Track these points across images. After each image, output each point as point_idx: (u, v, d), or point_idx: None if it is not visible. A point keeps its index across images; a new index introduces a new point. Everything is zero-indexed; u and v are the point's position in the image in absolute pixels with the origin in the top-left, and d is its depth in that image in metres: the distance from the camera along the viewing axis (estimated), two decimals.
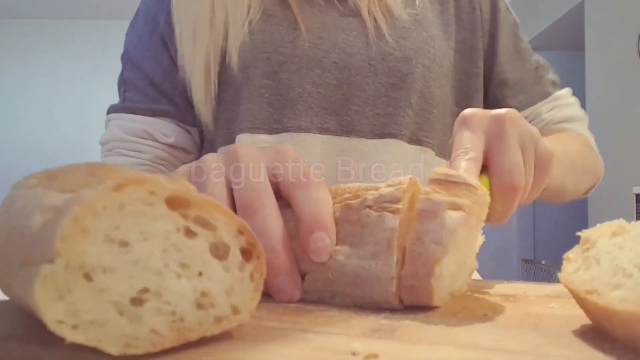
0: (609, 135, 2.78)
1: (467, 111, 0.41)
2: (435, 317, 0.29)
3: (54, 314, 0.19)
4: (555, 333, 0.25)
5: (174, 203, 0.23)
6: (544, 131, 0.67)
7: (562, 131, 0.68)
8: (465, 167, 0.38)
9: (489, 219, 0.40)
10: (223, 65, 0.61)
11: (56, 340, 0.24)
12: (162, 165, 0.66)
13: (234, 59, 0.59)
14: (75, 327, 0.20)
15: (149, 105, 0.64)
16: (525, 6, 3.69)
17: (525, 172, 0.39)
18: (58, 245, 0.19)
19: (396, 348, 0.22)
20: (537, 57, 0.71)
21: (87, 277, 0.21)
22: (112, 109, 0.67)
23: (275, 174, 0.36)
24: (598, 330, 0.25)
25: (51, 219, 0.22)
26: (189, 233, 0.24)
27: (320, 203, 0.33)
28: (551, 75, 0.71)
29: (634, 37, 2.60)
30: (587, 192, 0.70)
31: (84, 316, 0.20)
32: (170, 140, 0.64)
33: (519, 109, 0.67)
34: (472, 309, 0.31)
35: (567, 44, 3.80)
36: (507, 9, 0.70)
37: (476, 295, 0.35)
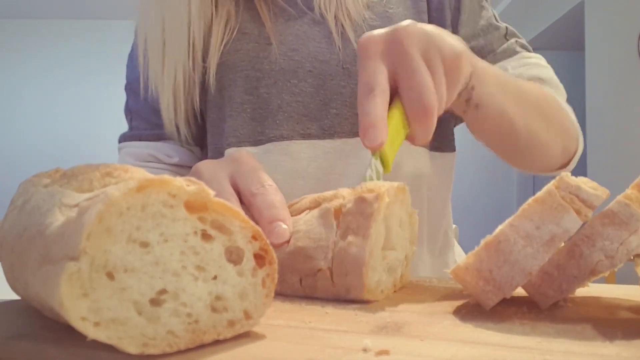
0: (609, 135, 2.79)
1: (362, 38, 0.41)
2: (439, 314, 0.30)
3: (78, 311, 0.20)
4: (558, 328, 0.26)
5: (193, 206, 0.24)
6: None
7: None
8: (375, 110, 0.37)
9: (412, 140, 0.41)
10: (204, 85, 0.64)
11: (68, 340, 0.25)
12: None
13: (213, 79, 0.62)
14: (97, 324, 0.21)
15: (153, 131, 0.68)
16: (525, 6, 3.69)
17: (436, 86, 0.39)
18: (84, 243, 0.20)
19: (406, 344, 0.23)
20: (506, 25, 0.69)
21: (110, 275, 0.21)
22: (122, 138, 0.71)
23: (235, 183, 0.40)
24: (598, 324, 0.26)
25: (74, 217, 0.23)
26: (206, 236, 0.25)
27: (276, 204, 0.37)
28: (522, 40, 0.69)
29: (634, 37, 2.61)
30: (564, 164, 0.66)
31: (106, 314, 0.21)
32: (175, 160, 0.68)
33: None
34: (474, 306, 0.31)
35: (567, 44, 3.80)
36: None
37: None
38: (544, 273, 0.29)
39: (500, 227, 0.28)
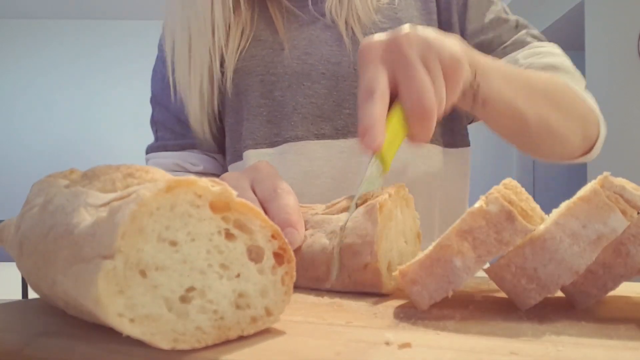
0: (609, 135, 2.78)
1: (362, 44, 0.42)
2: (448, 310, 0.30)
3: (115, 307, 0.21)
4: (572, 324, 0.27)
5: (216, 206, 0.25)
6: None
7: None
8: (374, 113, 0.39)
9: (412, 139, 0.42)
10: (221, 91, 0.67)
11: (97, 336, 0.26)
12: None
13: (230, 85, 0.65)
14: (132, 320, 0.22)
15: (178, 142, 0.72)
16: (525, 6, 3.70)
17: (435, 89, 0.40)
18: (119, 242, 0.21)
19: (425, 337, 0.24)
20: (517, 18, 0.68)
21: (142, 273, 0.22)
22: (149, 149, 0.75)
23: (254, 190, 0.43)
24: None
25: (104, 217, 0.23)
26: (229, 235, 0.26)
27: (287, 209, 0.39)
28: (533, 31, 0.67)
29: (634, 37, 2.62)
30: (586, 151, 0.65)
31: (140, 310, 0.22)
32: (199, 168, 0.71)
33: None
34: (480, 302, 0.32)
35: (567, 44, 3.79)
36: None
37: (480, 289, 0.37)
38: (588, 272, 0.29)
39: (543, 225, 0.28)
